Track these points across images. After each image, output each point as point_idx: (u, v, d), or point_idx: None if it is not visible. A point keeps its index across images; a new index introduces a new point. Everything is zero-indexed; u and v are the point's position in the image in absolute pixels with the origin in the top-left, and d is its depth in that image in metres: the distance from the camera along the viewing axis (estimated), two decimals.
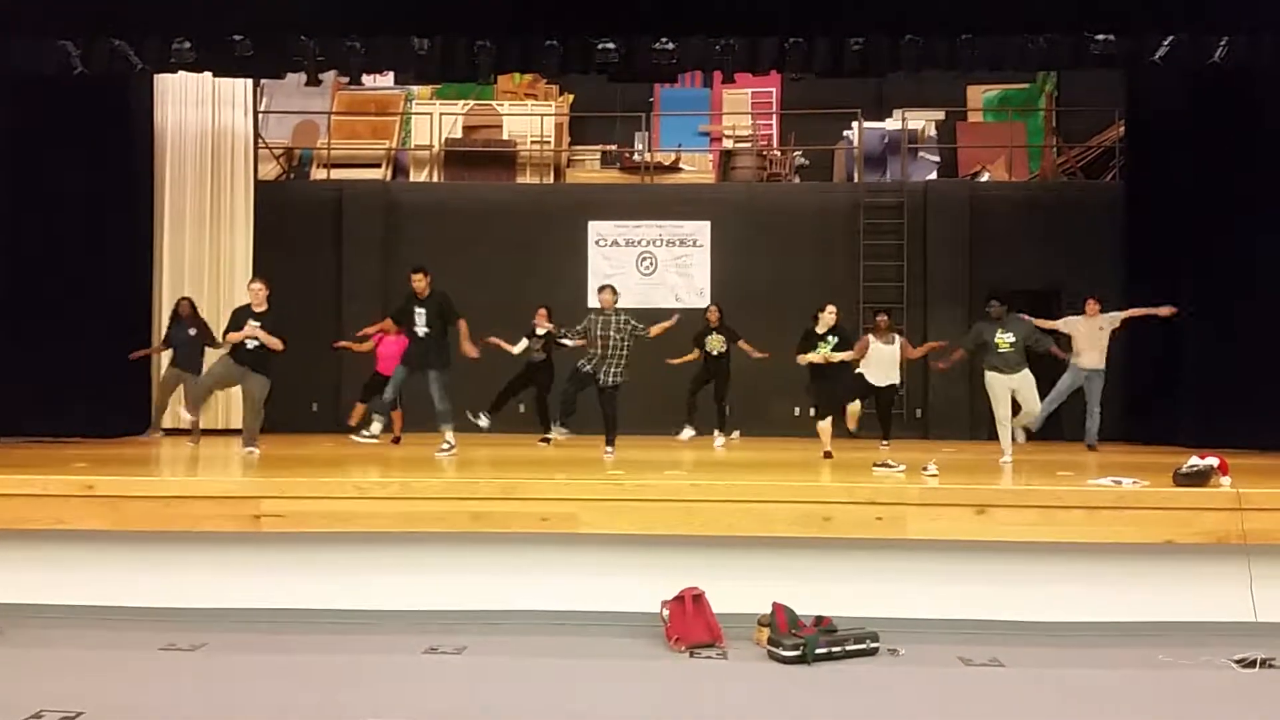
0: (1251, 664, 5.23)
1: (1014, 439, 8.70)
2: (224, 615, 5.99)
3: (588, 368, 9.30)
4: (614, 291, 9.60)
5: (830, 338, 9.14)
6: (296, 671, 5.18)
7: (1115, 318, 10.56)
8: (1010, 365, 8.46)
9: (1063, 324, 10.52)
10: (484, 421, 10.28)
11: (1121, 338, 11.24)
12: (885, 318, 11.07)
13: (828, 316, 9.22)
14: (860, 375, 10.14)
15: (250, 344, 8.69)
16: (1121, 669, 5.26)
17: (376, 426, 9.15)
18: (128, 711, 4.47)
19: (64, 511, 6.14)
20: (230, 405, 12.12)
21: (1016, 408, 8.60)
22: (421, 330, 8.92)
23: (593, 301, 12.17)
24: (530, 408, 11.12)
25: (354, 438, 8.88)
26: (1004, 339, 8.45)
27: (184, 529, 6.14)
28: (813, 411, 9.47)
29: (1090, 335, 10.50)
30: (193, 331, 10.52)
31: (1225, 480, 6.20)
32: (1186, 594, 5.94)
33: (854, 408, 9.88)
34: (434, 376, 8.86)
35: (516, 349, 10.72)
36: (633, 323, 9.39)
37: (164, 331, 11.07)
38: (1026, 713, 4.62)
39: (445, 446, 8.84)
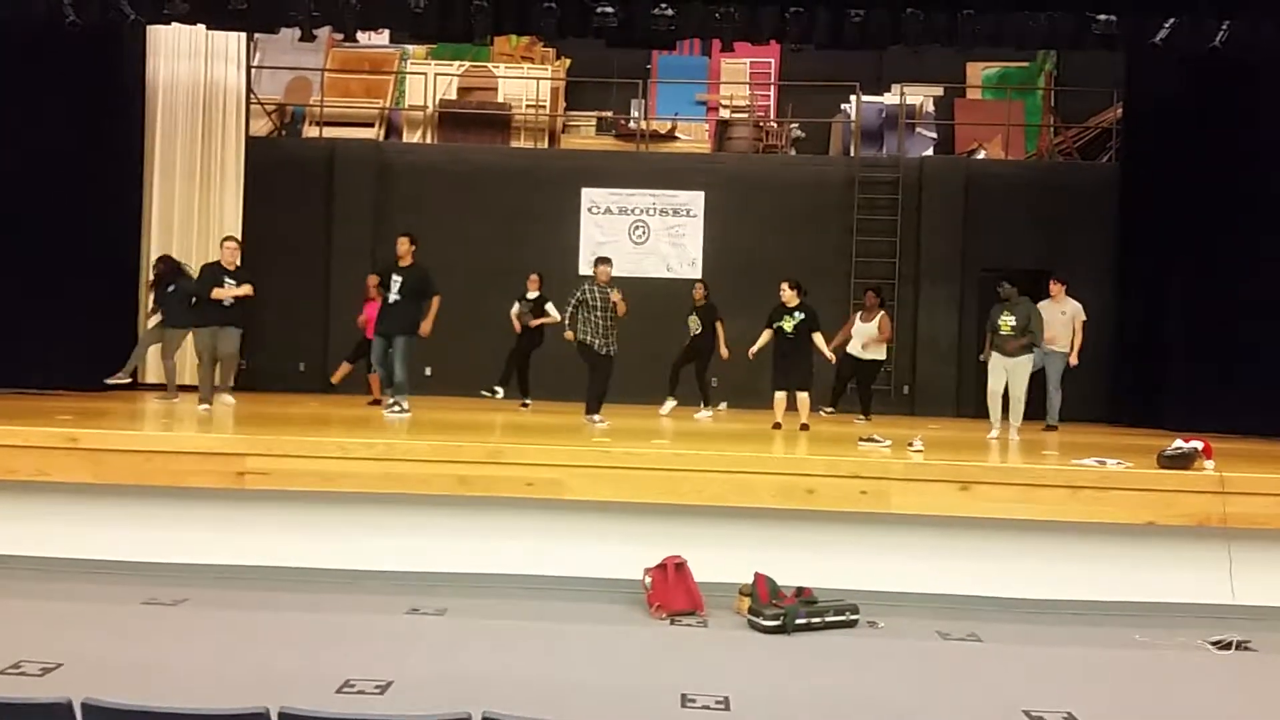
0: (1227, 646, 5.29)
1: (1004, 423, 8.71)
2: (206, 571, 5.99)
3: (607, 349, 9.25)
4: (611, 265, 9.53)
5: (796, 314, 9.00)
6: (277, 629, 5.19)
7: (1078, 315, 10.49)
8: (1007, 349, 8.57)
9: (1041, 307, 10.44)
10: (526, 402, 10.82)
11: (1107, 320, 11.23)
12: (872, 294, 11.10)
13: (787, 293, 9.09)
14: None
15: (227, 302, 8.96)
16: (1098, 648, 5.30)
17: (403, 401, 8.96)
18: (107, 664, 4.47)
19: (47, 463, 6.13)
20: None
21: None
22: (393, 297, 8.91)
23: (584, 269, 12.14)
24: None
25: (385, 414, 8.83)
26: (1006, 321, 8.58)
27: (166, 484, 6.13)
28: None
29: (1053, 319, 10.28)
30: (171, 289, 10.43)
31: (1209, 464, 6.23)
32: (1166, 575, 5.98)
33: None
34: (401, 344, 8.84)
35: (554, 318, 10.54)
36: (612, 300, 9.28)
37: (150, 294, 10.95)
38: (1002, 688, 4.65)
39: (396, 409, 8.76)
